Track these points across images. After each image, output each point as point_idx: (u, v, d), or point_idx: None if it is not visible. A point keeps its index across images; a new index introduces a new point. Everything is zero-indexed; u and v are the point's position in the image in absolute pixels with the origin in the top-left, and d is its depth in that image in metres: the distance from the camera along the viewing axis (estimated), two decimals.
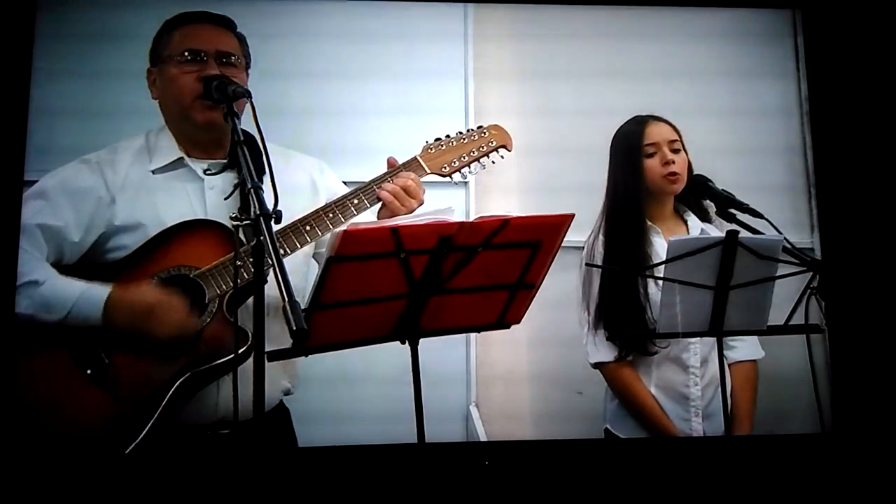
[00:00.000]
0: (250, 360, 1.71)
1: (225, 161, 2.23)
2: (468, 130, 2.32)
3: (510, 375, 2.80)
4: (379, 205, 2.19)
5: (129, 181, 2.23)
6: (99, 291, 2.10)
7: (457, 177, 2.29)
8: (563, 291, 2.57)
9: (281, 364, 2.19)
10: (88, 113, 2.57)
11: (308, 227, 2.13)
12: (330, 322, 1.89)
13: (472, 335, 2.75)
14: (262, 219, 1.72)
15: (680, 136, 2.64)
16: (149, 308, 2.07)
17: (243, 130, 1.98)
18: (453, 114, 2.84)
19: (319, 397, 2.52)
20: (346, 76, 2.80)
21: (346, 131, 2.76)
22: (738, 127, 2.92)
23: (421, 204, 2.18)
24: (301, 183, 2.31)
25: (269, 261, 1.67)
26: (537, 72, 2.92)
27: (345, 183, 2.38)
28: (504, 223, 1.90)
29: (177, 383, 2.07)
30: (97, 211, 2.20)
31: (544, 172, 2.84)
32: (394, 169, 2.22)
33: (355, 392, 2.64)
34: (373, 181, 2.20)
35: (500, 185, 2.79)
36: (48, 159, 2.42)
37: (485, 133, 2.31)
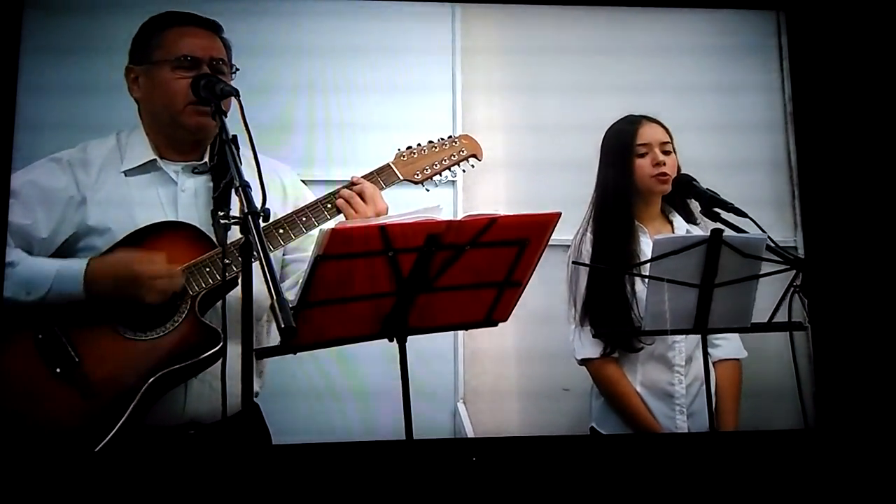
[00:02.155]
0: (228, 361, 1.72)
1: (202, 163, 2.24)
2: (439, 139, 2.35)
3: (497, 386, 2.82)
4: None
5: (101, 182, 2.23)
6: (77, 264, 2.11)
7: (428, 184, 2.32)
8: (551, 286, 2.59)
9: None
10: (74, 125, 2.54)
11: (281, 231, 2.15)
12: (318, 320, 1.89)
13: (461, 336, 2.78)
14: (250, 217, 1.72)
15: (671, 138, 2.66)
16: (130, 267, 2.08)
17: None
18: (441, 127, 2.78)
19: (299, 408, 2.56)
20: (334, 89, 2.81)
21: (334, 144, 2.76)
22: (722, 110, 2.95)
23: (379, 213, 2.18)
24: (272, 187, 2.27)
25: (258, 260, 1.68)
26: (525, 85, 2.93)
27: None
28: (491, 221, 1.91)
29: (148, 382, 2.06)
30: (67, 210, 2.20)
31: (531, 186, 2.86)
32: (366, 174, 2.24)
33: (339, 404, 2.66)
34: (344, 187, 2.21)
35: (488, 198, 2.80)
36: None
37: (455, 142, 2.35)
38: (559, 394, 2.76)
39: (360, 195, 2.18)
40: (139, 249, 2.14)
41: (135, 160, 2.25)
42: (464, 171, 2.37)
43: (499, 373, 2.81)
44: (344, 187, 2.21)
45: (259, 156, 2.23)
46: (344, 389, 2.67)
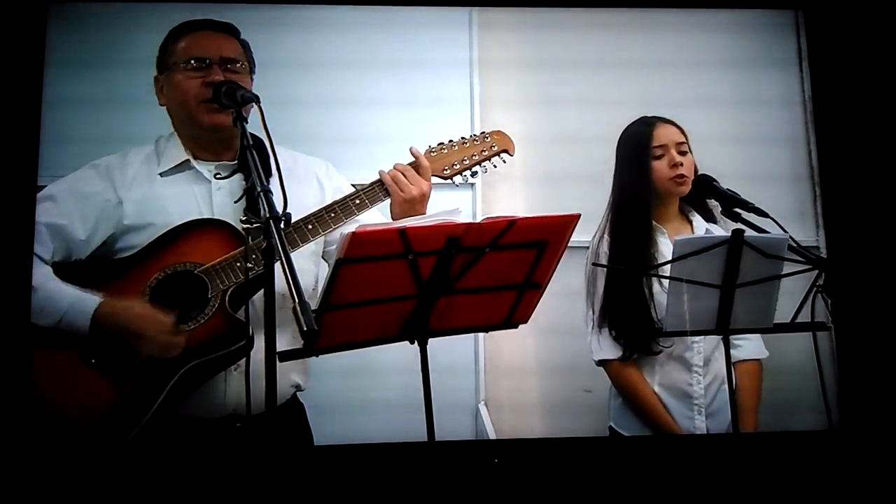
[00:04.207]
0: (260, 356, 1.75)
1: (233, 163, 2.27)
2: (471, 135, 2.37)
3: (518, 395, 2.82)
4: (382, 204, 2.25)
5: (137, 183, 2.28)
6: (88, 303, 2.14)
7: (458, 179, 2.34)
8: (571, 288, 2.59)
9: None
10: (98, 139, 2.57)
11: (310, 226, 2.19)
12: (340, 323, 1.92)
13: (481, 347, 2.78)
14: (272, 221, 1.75)
15: (686, 138, 2.65)
16: (133, 327, 2.12)
17: (251, 134, 2.01)
18: (458, 104, 2.87)
19: (331, 389, 2.55)
20: (352, 102, 2.82)
21: (352, 123, 2.78)
22: (742, 121, 2.92)
23: (424, 193, 2.23)
24: (307, 185, 2.36)
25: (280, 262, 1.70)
26: (541, 62, 2.93)
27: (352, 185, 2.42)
28: (510, 224, 1.92)
29: (179, 373, 2.11)
30: (104, 212, 2.25)
31: (548, 163, 2.85)
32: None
33: (367, 382, 2.67)
34: (374, 183, 2.26)
35: (505, 176, 2.76)
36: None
37: (487, 138, 2.37)
38: (580, 401, 2.75)
39: (416, 168, 2.24)
40: (164, 253, 2.18)
41: (170, 162, 2.31)
42: (495, 166, 2.37)
43: (519, 382, 2.81)
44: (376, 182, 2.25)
45: (293, 154, 2.34)
46: (365, 400, 2.68)
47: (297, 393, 2.35)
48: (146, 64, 2.39)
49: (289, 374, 2.27)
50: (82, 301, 2.15)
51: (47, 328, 2.16)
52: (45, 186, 2.37)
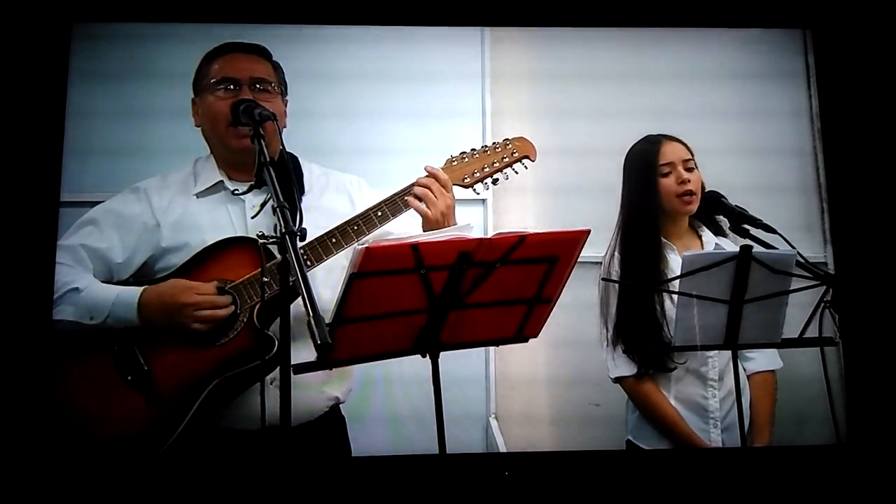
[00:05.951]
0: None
1: (250, 183, 2.31)
2: (493, 143, 2.39)
3: (529, 409, 2.84)
4: (403, 215, 2.28)
5: (174, 205, 2.35)
6: (132, 292, 2.22)
7: (479, 187, 2.35)
8: (581, 302, 2.61)
9: (327, 373, 2.26)
10: (120, 151, 2.64)
11: (334, 240, 2.22)
12: (353, 336, 1.93)
13: (492, 360, 2.80)
14: (287, 237, 1.78)
15: (692, 155, 2.68)
16: (178, 298, 2.18)
17: (286, 152, 2.09)
18: (471, 117, 2.91)
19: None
20: (365, 81, 2.87)
21: (366, 136, 2.82)
22: (751, 135, 2.95)
23: (449, 206, 2.25)
24: (340, 201, 2.41)
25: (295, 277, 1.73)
26: (552, 76, 2.97)
27: None
28: (521, 239, 1.93)
29: (207, 389, 2.16)
30: (143, 236, 2.32)
31: (559, 175, 2.88)
32: (414, 182, 2.29)
33: (379, 395, 2.71)
34: (395, 194, 2.28)
35: (517, 189, 2.79)
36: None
37: (508, 145, 2.38)
38: (590, 414, 2.77)
39: (436, 178, 2.25)
40: (197, 272, 2.25)
41: (205, 183, 2.38)
42: (516, 172, 2.38)
43: (529, 395, 2.83)
44: (407, 187, 2.27)
45: (327, 171, 2.42)
46: (376, 413, 2.71)
47: (339, 405, 2.39)
48: (168, 77, 2.46)
49: (325, 388, 2.32)
50: (126, 292, 2.23)
51: (95, 333, 2.22)
52: (66, 201, 2.49)
